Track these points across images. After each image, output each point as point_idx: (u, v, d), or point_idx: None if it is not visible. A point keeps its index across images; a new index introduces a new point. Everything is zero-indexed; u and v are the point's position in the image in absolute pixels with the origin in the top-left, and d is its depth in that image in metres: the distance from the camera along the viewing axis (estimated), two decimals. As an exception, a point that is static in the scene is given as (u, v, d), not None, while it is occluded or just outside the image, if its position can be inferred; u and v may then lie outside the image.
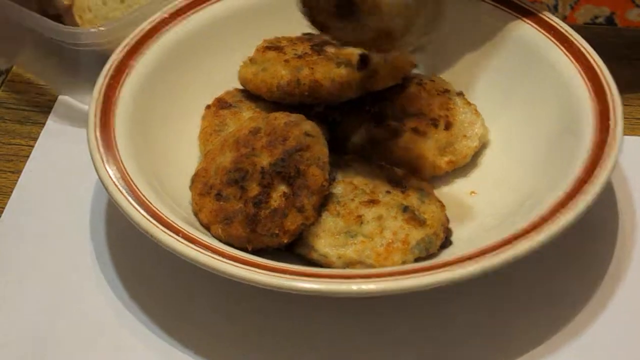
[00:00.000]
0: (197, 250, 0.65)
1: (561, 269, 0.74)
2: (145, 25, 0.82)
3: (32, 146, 0.87)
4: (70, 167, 0.84)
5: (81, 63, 0.85)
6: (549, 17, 0.81)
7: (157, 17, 0.82)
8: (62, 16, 0.89)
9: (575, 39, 0.79)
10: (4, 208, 0.81)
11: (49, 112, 0.90)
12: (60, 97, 0.91)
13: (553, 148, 0.76)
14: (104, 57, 0.81)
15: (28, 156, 0.86)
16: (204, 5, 0.84)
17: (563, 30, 0.80)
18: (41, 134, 0.88)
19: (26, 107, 0.91)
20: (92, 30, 0.83)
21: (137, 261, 0.75)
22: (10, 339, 0.71)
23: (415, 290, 0.64)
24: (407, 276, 0.64)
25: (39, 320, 0.72)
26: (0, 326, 0.72)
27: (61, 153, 0.86)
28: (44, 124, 0.89)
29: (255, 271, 0.64)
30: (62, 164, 0.85)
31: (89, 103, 0.76)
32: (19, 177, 0.83)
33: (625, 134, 0.72)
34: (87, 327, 0.72)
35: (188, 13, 0.83)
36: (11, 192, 0.82)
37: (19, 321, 0.72)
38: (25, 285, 0.75)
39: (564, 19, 1.03)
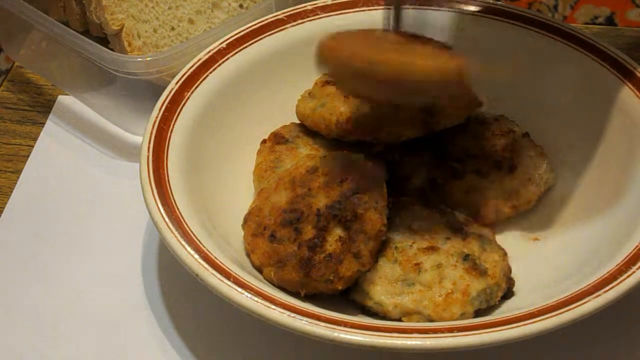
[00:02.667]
0: (247, 297, 0.63)
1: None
2: (202, 56, 0.80)
3: (32, 146, 0.87)
4: (70, 167, 0.85)
5: (127, 91, 0.84)
6: (623, 60, 0.78)
7: (214, 47, 0.80)
8: (108, 40, 0.88)
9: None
10: (3, 208, 0.81)
11: (48, 112, 0.90)
12: (60, 97, 0.92)
13: (623, 196, 0.73)
14: (151, 86, 0.80)
15: (28, 156, 0.86)
16: (263, 36, 0.82)
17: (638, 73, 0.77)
18: (41, 134, 0.88)
19: (26, 107, 0.91)
20: (140, 59, 0.82)
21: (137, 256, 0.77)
22: (9, 340, 0.71)
23: (476, 348, 0.61)
24: (467, 333, 0.61)
25: (39, 321, 0.72)
26: None
27: (61, 153, 0.86)
28: (43, 124, 0.89)
29: (307, 321, 0.62)
30: (62, 164, 0.85)
31: (143, 135, 0.74)
32: (19, 177, 0.84)
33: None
34: (86, 327, 0.72)
35: (246, 44, 0.81)
36: (11, 192, 0.83)
37: (19, 322, 0.72)
38: (25, 285, 0.75)
39: (564, 19, 1.01)
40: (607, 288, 0.63)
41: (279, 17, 0.83)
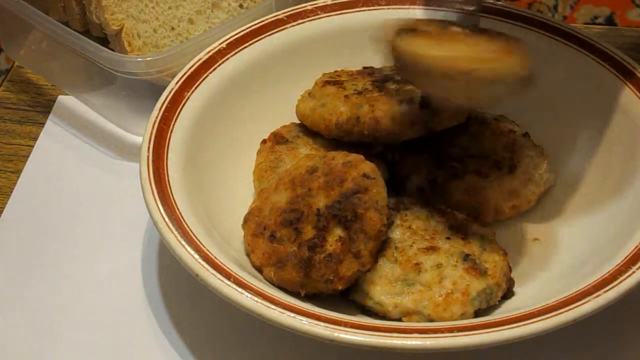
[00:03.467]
0: (247, 297, 0.63)
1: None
2: (202, 56, 0.80)
3: (32, 146, 0.87)
4: (70, 167, 0.85)
5: (127, 91, 0.84)
6: (623, 60, 0.78)
7: (214, 47, 0.80)
8: (108, 40, 0.88)
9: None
10: (3, 208, 0.81)
11: (49, 112, 0.90)
12: (60, 97, 0.92)
13: (623, 196, 0.73)
14: (151, 86, 0.80)
15: (28, 156, 0.86)
16: (262, 36, 0.82)
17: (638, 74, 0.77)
18: (41, 134, 0.88)
19: (26, 107, 0.91)
20: (140, 59, 0.82)
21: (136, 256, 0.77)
22: (9, 340, 0.71)
23: (476, 348, 0.61)
24: (467, 333, 0.61)
25: (38, 321, 0.72)
26: None
27: (61, 153, 0.86)
28: (43, 124, 0.89)
29: (307, 321, 0.62)
30: (62, 164, 0.85)
31: (143, 135, 0.74)
32: (19, 177, 0.84)
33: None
34: (86, 327, 0.72)
35: (246, 44, 0.81)
36: (11, 192, 0.83)
37: (19, 322, 0.72)
38: (25, 285, 0.75)
39: (564, 19, 1.02)
40: (607, 288, 0.63)
41: (279, 17, 0.83)
